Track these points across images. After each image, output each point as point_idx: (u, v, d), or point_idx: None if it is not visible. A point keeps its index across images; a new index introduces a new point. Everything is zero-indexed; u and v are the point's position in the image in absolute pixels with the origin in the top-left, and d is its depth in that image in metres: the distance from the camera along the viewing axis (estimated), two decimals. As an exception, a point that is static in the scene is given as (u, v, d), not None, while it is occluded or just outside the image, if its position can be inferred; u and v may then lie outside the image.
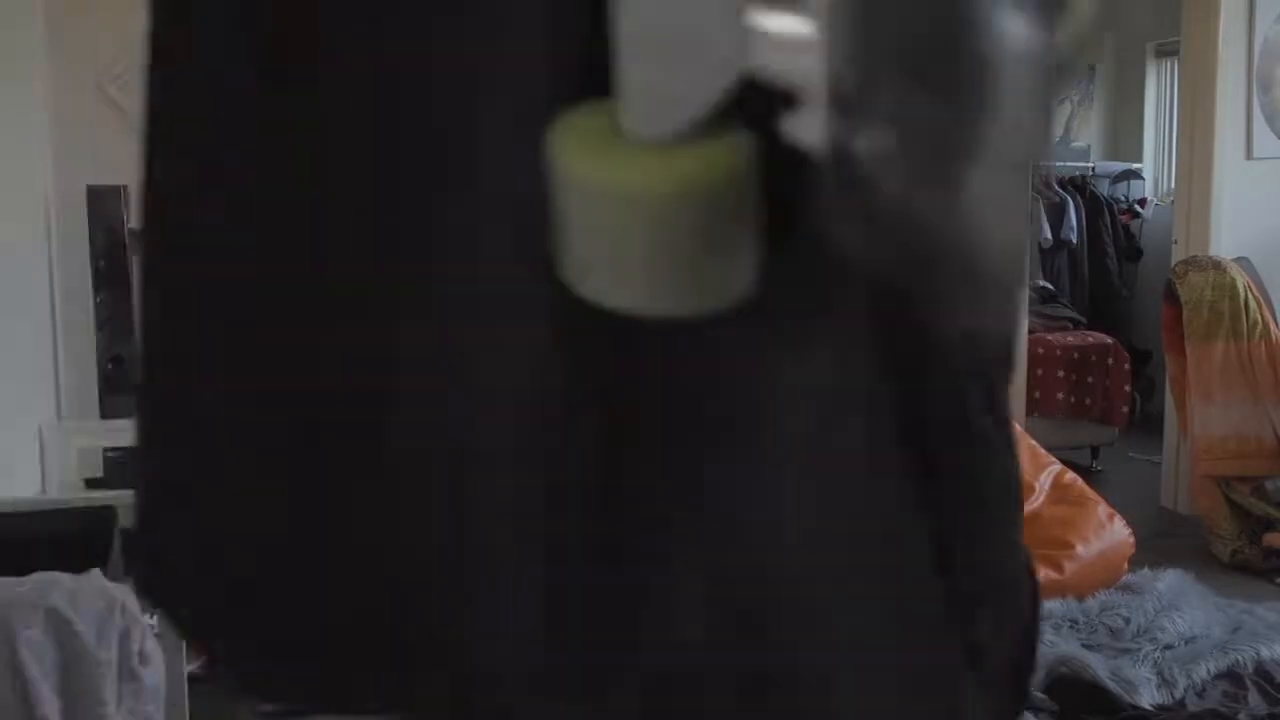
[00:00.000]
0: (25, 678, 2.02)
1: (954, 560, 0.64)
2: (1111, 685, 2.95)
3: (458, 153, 0.63)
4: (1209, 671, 3.09)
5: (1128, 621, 3.31)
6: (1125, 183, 6.98)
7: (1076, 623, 3.33)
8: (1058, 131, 7.07)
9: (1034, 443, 4.11)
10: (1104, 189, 6.88)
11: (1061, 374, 5.67)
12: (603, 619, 0.65)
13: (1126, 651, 3.16)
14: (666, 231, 0.57)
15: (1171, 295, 4.67)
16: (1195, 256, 4.77)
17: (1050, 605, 3.39)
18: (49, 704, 2.04)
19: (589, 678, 0.66)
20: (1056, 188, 6.60)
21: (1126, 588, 3.60)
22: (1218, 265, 4.65)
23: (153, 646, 2.24)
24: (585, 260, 0.59)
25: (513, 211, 0.62)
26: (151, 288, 0.73)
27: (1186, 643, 3.25)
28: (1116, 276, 6.71)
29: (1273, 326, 4.59)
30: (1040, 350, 5.57)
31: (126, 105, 3.82)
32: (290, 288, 0.68)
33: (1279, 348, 4.55)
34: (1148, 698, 2.94)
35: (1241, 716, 2.90)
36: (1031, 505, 3.87)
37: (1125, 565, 3.75)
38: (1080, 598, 3.46)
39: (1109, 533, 3.78)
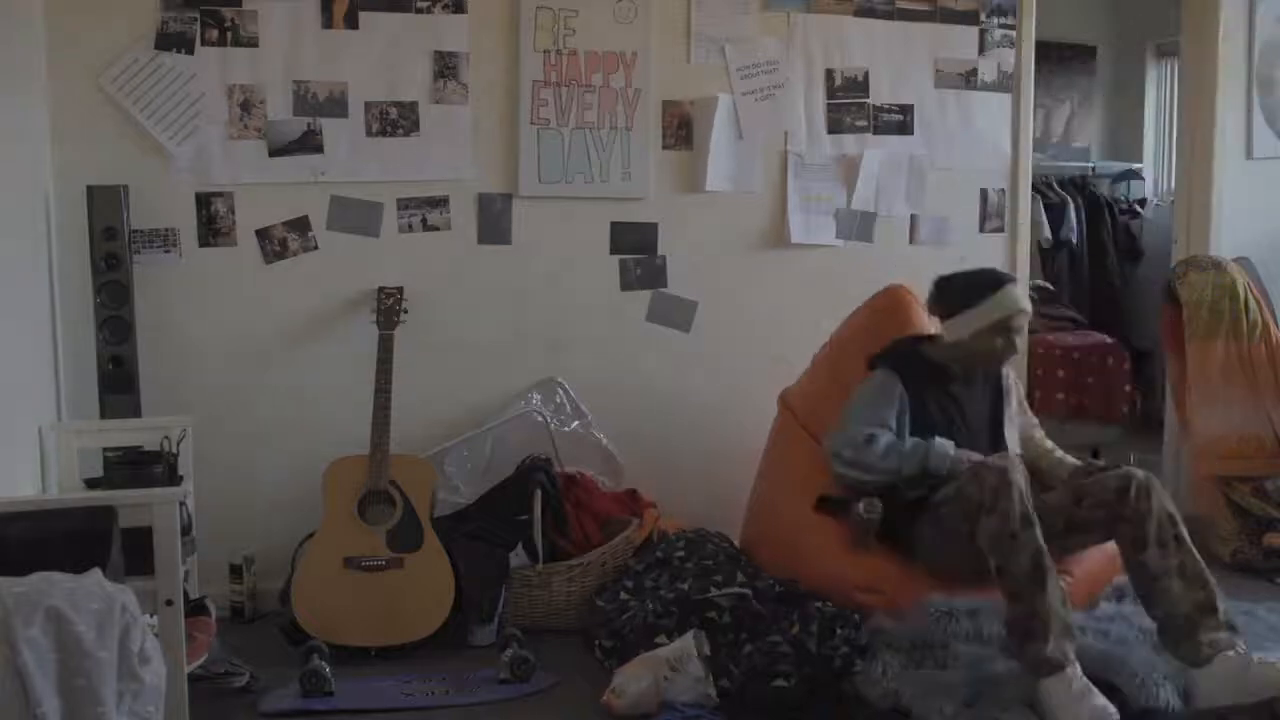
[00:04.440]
0: (25, 677, 2.02)
1: None
2: (1118, 684, 2.95)
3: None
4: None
5: (1130, 622, 3.30)
6: (1125, 183, 6.97)
7: (1084, 629, 3.31)
8: (1058, 132, 7.08)
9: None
10: (1104, 189, 6.88)
11: (1061, 374, 5.67)
12: None
13: (1131, 650, 3.15)
14: None
15: (1171, 295, 4.67)
16: (1195, 256, 4.77)
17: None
18: (49, 704, 2.04)
19: None
20: (1056, 188, 6.60)
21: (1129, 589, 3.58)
22: (1218, 265, 4.65)
23: (153, 646, 2.24)
24: None
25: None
26: None
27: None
28: (1116, 276, 6.71)
29: (1273, 327, 4.59)
30: (1040, 350, 5.57)
31: (126, 105, 3.83)
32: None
33: (1279, 348, 4.55)
34: (1149, 698, 2.94)
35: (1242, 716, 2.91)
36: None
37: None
38: (1089, 602, 3.45)
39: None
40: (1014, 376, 3.78)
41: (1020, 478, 3.07)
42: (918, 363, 3.60)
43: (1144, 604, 3.14)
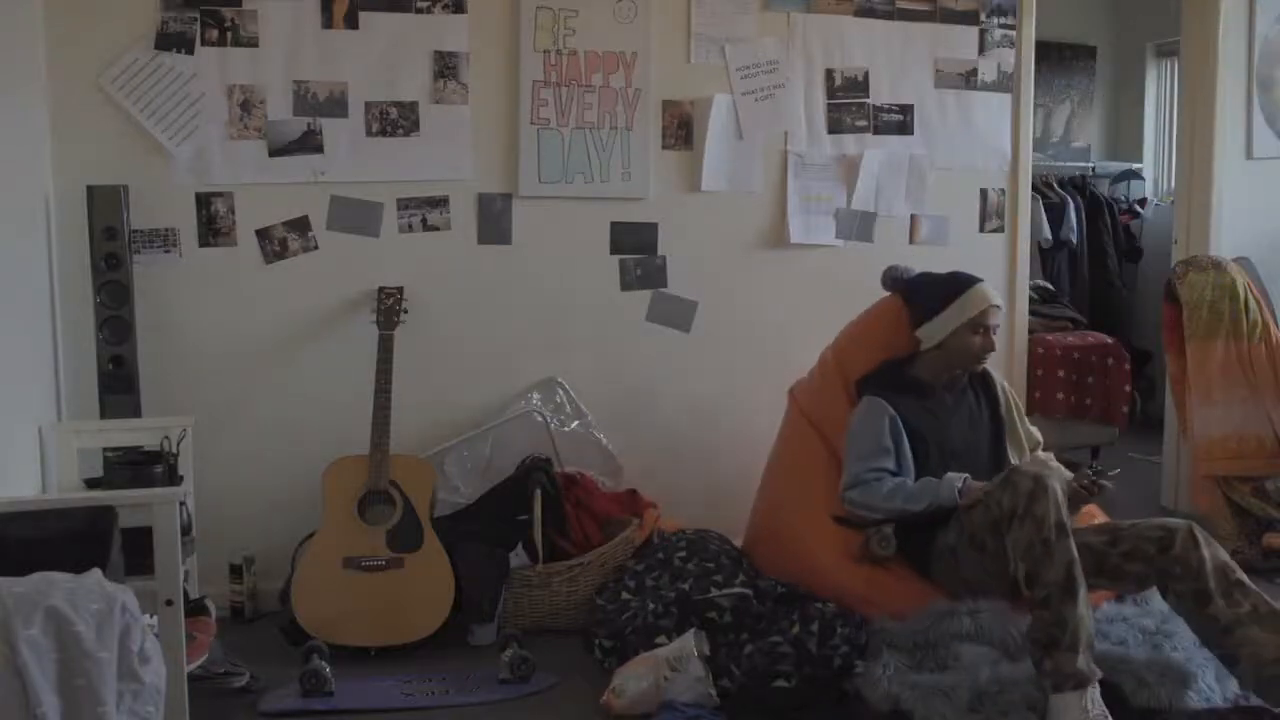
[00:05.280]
0: (25, 677, 2.02)
1: None
2: (1118, 684, 2.95)
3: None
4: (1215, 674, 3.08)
5: (1130, 623, 3.31)
6: (1125, 183, 6.97)
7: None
8: (1058, 132, 7.08)
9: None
10: (1104, 189, 6.88)
11: (1061, 374, 5.66)
12: None
13: (1131, 650, 3.15)
14: None
15: (1171, 295, 4.67)
16: (1195, 256, 4.77)
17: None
18: (49, 704, 2.04)
19: None
20: (1056, 188, 6.60)
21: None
22: (1218, 265, 4.65)
23: (153, 646, 2.24)
24: None
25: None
26: None
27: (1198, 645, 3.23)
28: (1116, 276, 6.71)
29: (1273, 327, 4.59)
30: (1040, 350, 5.56)
31: (126, 105, 3.83)
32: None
33: (1279, 348, 4.55)
34: (1149, 699, 2.94)
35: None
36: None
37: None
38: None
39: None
40: (1009, 388, 3.77)
41: (1058, 485, 2.98)
42: (902, 383, 3.63)
43: (1225, 663, 2.98)
